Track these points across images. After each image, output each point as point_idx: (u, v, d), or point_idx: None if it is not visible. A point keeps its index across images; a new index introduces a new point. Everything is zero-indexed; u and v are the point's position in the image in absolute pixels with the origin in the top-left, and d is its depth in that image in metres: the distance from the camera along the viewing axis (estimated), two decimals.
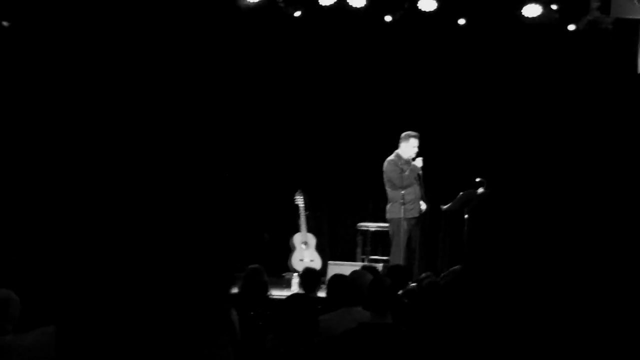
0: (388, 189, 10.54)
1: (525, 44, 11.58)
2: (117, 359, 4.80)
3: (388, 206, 10.55)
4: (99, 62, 11.12)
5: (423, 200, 10.57)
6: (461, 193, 10.49)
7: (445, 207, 10.70)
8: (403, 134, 10.52)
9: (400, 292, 6.66)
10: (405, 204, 10.28)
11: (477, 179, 10.51)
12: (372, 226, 11.48)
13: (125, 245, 10.27)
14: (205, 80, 11.74)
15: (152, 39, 11.31)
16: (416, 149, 10.45)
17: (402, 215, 10.29)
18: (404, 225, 10.31)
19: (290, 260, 11.19)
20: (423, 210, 10.57)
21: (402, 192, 10.29)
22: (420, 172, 10.48)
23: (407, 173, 10.37)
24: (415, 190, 10.42)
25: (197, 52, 11.61)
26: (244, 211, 11.98)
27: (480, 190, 10.47)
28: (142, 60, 11.33)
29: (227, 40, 11.69)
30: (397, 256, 10.31)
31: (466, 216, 10.62)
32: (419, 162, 10.40)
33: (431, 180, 11.02)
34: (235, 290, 7.18)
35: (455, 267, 7.50)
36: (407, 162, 10.45)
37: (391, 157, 10.54)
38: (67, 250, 9.79)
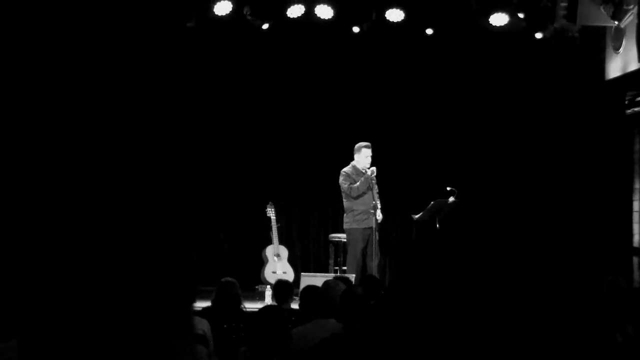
0: (344, 200, 10.59)
1: (493, 52, 11.66)
2: None
3: (344, 216, 10.61)
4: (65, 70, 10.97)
5: (379, 210, 10.48)
6: (432, 202, 10.51)
7: (416, 216, 10.71)
8: (356, 146, 10.56)
9: (372, 302, 6.65)
10: (357, 214, 10.32)
11: (448, 188, 10.54)
12: (343, 237, 11.45)
13: (87, 256, 10.05)
14: (175, 92, 11.66)
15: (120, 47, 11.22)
16: (369, 159, 10.45)
17: (355, 226, 10.34)
18: (357, 235, 10.34)
19: (263, 273, 11.14)
20: (379, 221, 10.51)
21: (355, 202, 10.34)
22: (374, 181, 10.46)
23: (358, 184, 10.37)
24: (366, 200, 10.40)
25: (167, 64, 11.54)
26: (213, 223, 11.96)
27: (451, 199, 10.50)
28: (110, 67, 11.21)
29: (196, 53, 11.65)
30: (352, 266, 10.42)
31: (438, 225, 10.65)
32: (370, 171, 10.38)
33: (402, 190, 11.03)
34: (207, 303, 7.16)
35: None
36: (362, 172, 10.45)
37: (346, 168, 10.57)
38: (24, 261, 9.57)
